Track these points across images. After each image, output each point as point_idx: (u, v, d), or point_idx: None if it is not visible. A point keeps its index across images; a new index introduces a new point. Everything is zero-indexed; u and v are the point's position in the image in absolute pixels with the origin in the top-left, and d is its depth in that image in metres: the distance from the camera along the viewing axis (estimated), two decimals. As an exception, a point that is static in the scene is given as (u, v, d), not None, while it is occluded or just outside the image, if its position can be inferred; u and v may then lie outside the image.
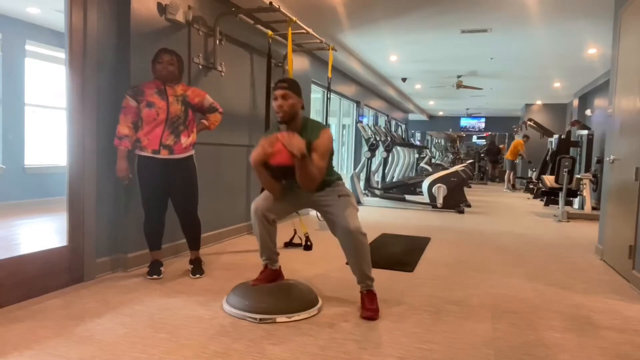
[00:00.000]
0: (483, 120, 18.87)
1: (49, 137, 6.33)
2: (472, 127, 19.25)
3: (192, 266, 3.29)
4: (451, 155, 16.05)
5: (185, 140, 3.13)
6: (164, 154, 3.06)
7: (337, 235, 2.58)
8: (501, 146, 16.65)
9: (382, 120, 12.87)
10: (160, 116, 3.02)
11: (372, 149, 8.40)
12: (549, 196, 8.11)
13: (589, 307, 2.87)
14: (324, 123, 6.18)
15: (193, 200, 3.25)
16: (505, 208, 8.25)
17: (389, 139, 8.91)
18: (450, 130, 18.28)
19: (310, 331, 2.34)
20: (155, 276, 3.14)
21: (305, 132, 2.53)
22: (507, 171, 12.61)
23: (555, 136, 9.60)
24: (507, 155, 12.62)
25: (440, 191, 7.46)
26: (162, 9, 3.56)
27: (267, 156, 2.37)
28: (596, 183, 7.58)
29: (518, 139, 12.88)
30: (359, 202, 7.84)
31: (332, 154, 2.60)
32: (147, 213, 3.18)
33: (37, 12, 5.47)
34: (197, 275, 3.20)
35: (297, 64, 6.05)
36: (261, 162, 2.41)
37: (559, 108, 13.36)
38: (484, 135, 19.26)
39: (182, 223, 3.28)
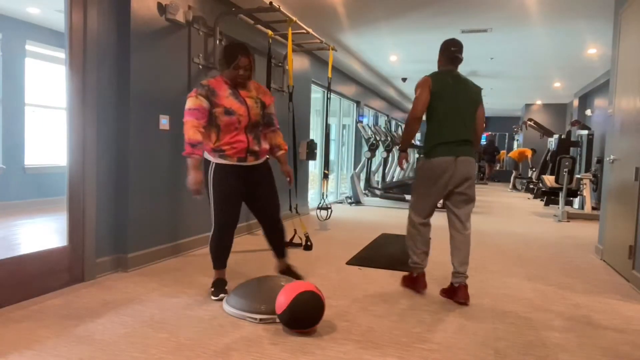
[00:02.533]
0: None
1: (49, 137, 6.33)
2: (472, 127, 19.20)
3: (289, 274, 2.98)
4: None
5: (264, 143, 2.86)
6: (250, 161, 2.77)
7: (459, 224, 3.03)
8: (502, 151, 16.65)
9: (382, 120, 12.86)
10: (242, 123, 2.69)
11: (372, 149, 8.40)
12: (549, 196, 8.12)
13: (589, 307, 2.87)
14: (325, 123, 6.17)
15: (278, 205, 2.98)
16: (505, 208, 8.25)
17: (389, 139, 8.91)
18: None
19: (310, 331, 2.34)
20: (222, 295, 2.76)
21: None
22: (514, 171, 12.70)
23: (555, 136, 9.60)
24: (513, 155, 12.62)
25: (440, 191, 7.44)
26: (162, 9, 3.56)
27: None
28: (596, 183, 7.58)
29: (520, 144, 12.94)
30: (358, 202, 7.84)
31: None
32: (222, 227, 2.80)
33: (37, 12, 5.47)
34: (300, 279, 2.88)
35: (297, 64, 6.05)
36: None
37: (559, 108, 13.36)
38: (484, 135, 19.25)
39: (269, 230, 3.01)
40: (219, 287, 2.83)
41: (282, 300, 2.29)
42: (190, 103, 2.62)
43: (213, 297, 2.77)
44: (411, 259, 3.07)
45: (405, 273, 3.27)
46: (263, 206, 2.91)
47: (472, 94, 2.95)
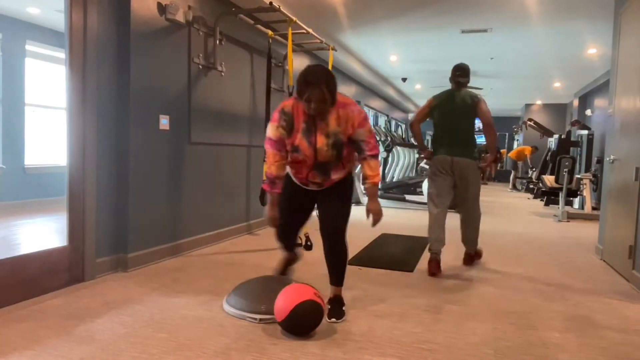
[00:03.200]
0: (483, 120, 18.84)
1: (49, 137, 6.33)
2: (472, 127, 19.21)
3: (329, 306, 2.53)
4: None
5: (336, 175, 2.51)
6: (312, 187, 2.58)
7: (463, 208, 3.67)
8: (502, 150, 16.64)
9: (382, 120, 12.87)
10: (307, 163, 2.47)
11: (372, 149, 8.38)
12: (549, 196, 8.12)
13: (589, 307, 2.87)
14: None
15: (339, 226, 2.49)
16: (505, 208, 8.25)
17: (389, 139, 8.91)
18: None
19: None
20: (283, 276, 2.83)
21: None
22: (513, 172, 12.68)
23: (555, 136, 9.60)
24: (511, 155, 12.62)
25: (440, 191, 7.44)
26: (162, 9, 3.56)
27: None
28: (596, 183, 7.58)
29: (520, 144, 12.91)
30: (359, 202, 7.84)
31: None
32: (278, 227, 2.67)
33: (37, 12, 5.47)
34: (333, 319, 2.46)
35: (297, 64, 6.05)
36: None
37: (559, 108, 13.36)
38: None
39: (326, 250, 2.54)
40: (280, 266, 2.92)
41: (282, 306, 2.25)
42: (270, 131, 2.42)
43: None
44: (430, 244, 3.61)
45: (406, 273, 3.28)
46: (322, 223, 2.53)
47: (463, 105, 3.57)
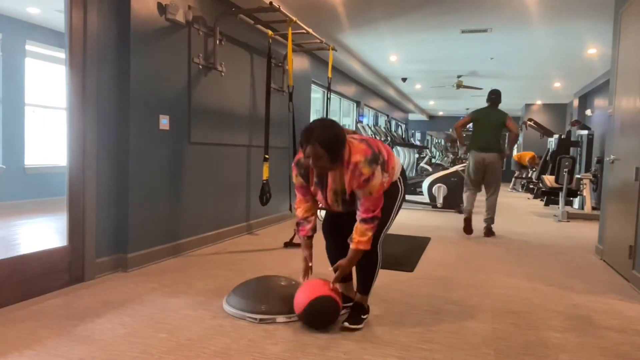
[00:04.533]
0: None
1: (49, 137, 6.33)
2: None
3: (350, 310, 2.47)
4: (451, 155, 16.04)
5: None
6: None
7: (488, 192, 5.21)
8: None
9: (382, 120, 12.87)
10: (325, 207, 2.50)
11: (372, 149, 8.38)
12: (549, 196, 8.12)
13: (589, 307, 2.87)
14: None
15: (379, 226, 2.34)
16: (505, 208, 8.24)
17: (389, 139, 8.91)
18: (450, 130, 18.27)
19: (310, 331, 2.34)
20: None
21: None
22: (516, 172, 12.69)
23: (555, 136, 9.60)
24: (515, 157, 12.62)
25: (441, 191, 7.47)
26: (162, 9, 3.56)
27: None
28: (596, 183, 7.58)
29: (520, 144, 12.89)
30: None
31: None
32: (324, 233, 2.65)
33: (37, 12, 5.47)
34: (346, 324, 2.36)
35: (297, 64, 6.05)
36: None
37: (559, 108, 13.36)
38: None
39: None
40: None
41: (299, 300, 2.36)
42: (294, 178, 2.47)
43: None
44: (463, 210, 5.34)
45: (406, 273, 3.29)
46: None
47: (495, 119, 5.22)
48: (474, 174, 5.18)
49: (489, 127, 5.15)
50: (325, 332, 2.34)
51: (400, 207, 2.52)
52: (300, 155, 2.36)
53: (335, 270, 2.37)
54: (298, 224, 2.52)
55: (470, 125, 5.39)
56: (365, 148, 2.25)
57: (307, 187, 2.43)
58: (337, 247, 2.55)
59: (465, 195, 5.29)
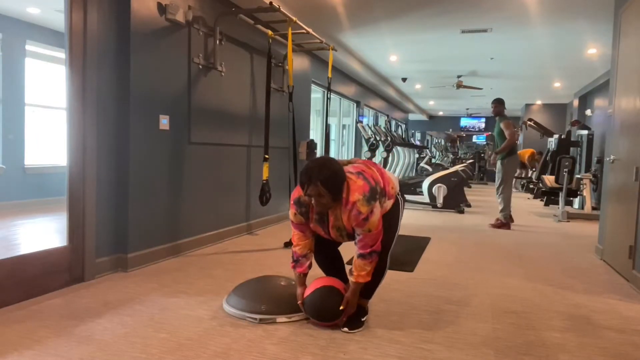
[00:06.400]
0: (483, 120, 18.87)
1: (49, 137, 6.33)
2: (472, 127, 19.24)
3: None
4: (451, 155, 16.05)
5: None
6: None
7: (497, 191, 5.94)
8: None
9: (382, 120, 12.87)
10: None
11: (372, 149, 8.40)
12: (549, 196, 8.11)
13: (589, 307, 2.87)
14: (325, 123, 6.17)
15: (389, 235, 2.40)
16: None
17: (389, 139, 8.90)
18: (450, 130, 18.28)
19: (310, 331, 2.34)
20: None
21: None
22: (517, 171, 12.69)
23: (555, 136, 9.60)
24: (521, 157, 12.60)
25: (441, 191, 7.47)
26: (162, 9, 3.56)
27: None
28: (596, 183, 7.58)
29: (520, 144, 12.88)
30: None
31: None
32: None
33: (37, 12, 5.47)
34: (345, 329, 2.36)
35: (297, 64, 6.05)
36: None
37: (559, 108, 13.36)
38: (485, 135, 19.24)
39: None
40: None
41: (308, 290, 2.43)
42: (291, 216, 2.46)
43: None
44: (506, 211, 5.90)
45: (406, 273, 3.31)
46: None
47: (497, 127, 5.96)
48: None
49: (496, 135, 6.00)
50: (325, 332, 2.34)
51: (402, 217, 2.56)
52: (299, 194, 2.36)
53: (344, 308, 2.35)
54: (296, 261, 2.48)
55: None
56: (363, 184, 2.25)
57: (307, 224, 2.42)
58: (327, 258, 2.60)
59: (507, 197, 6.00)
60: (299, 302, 2.45)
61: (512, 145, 5.78)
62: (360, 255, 2.30)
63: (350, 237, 2.36)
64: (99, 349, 2.07)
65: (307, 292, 2.42)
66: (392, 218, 2.46)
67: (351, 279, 2.36)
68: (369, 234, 2.26)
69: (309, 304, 2.39)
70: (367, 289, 2.46)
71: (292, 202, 2.42)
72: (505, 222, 5.85)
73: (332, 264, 2.61)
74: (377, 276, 2.42)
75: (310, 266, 2.51)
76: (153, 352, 2.06)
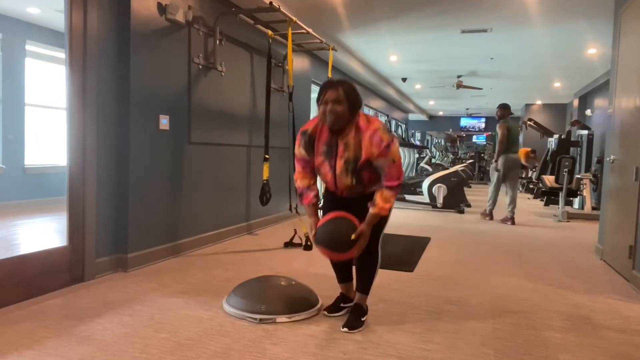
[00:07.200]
0: (483, 120, 18.88)
1: (49, 137, 6.33)
2: (472, 127, 19.25)
3: (349, 313, 2.48)
4: (451, 155, 16.05)
5: (369, 189, 2.36)
6: (347, 194, 2.41)
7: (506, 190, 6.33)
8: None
9: (382, 120, 12.84)
10: (329, 187, 2.43)
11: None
12: (549, 196, 8.11)
13: (589, 307, 2.87)
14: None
15: (376, 227, 2.34)
16: (505, 208, 8.24)
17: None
18: (450, 130, 18.27)
19: (310, 331, 2.34)
20: (326, 313, 2.57)
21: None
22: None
23: (555, 136, 9.60)
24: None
25: (441, 191, 7.47)
26: (162, 9, 3.56)
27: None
28: (596, 183, 7.58)
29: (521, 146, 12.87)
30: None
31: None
32: None
33: (37, 12, 5.47)
34: (345, 329, 2.34)
35: (297, 64, 6.05)
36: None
37: (559, 108, 13.36)
38: (485, 135, 19.25)
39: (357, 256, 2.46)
40: (333, 303, 2.61)
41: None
42: (296, 150, 2.43)
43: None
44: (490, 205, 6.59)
45: (406, 273, 3.34)
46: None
47: (517, 130, 6.48)
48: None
49: (496, 137, 6.68)
50: (325, 332, 2.34)
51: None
52: (307, 127, 2.36)
53: (356, 239, 2.24)
54: (301, 195, 2.41)
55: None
56: (379, 120, 2.31)
57: (309, 160, 2.38)
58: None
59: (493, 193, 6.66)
60: (311, 234, 2.36)
61: (502, 146, 6.20)
62: (388, 187, 2.24)
63: (355, 173, 2.27)
64: (99, 349, 2.07)
65: (320, 223, 2.31)
66: None
67: (372, 210, 2.25)
68: (393, 165, 2.22)
69: (321, 232, 2.27)
70: (364, 283, 2.46)
71: (298, 136, 2.41)
72: (488, 214, 6.61)
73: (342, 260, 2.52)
74: (371, 268, 2.44)
75: (317, 197, 2.42)
76: (153, 352, 2.06)
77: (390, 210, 2.30)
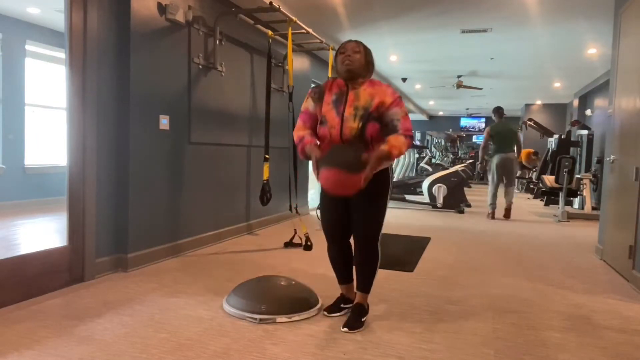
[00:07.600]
0: (483, 120, 18.86)
1: (49, 137, 6.33)
2: (472, 127, 19.23)
3: (349, 313, 2.48)
4: (451, 155, 16.05)
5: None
6: None
7: (504, 188, 6.73)
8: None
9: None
10: (333, 137, 2.31)
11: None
12: (549, 196, 8.11)
13: (589, 307, 2.87)
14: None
15: (375, 224, 2.40)
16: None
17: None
18: (450, 130, 18.26)
19: (310, 331, 2.34)
20: (326, 313, 2.55)
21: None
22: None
23: (555, 136, 9.60)
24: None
25: (441, 191, 7.47)
26: (162, 9, 3.56)
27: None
28: (596, 183, 7.58)
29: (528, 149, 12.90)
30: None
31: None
32: (325, 236, 2.56)
33: (37, 12, 5.47)
34: (345, 329, 2.34)
35: (297, 64, 6.05)
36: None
37: (559, 108, 13.35)
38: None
39: (355, 252, 2.48)
40: (333, 303, 2.60)
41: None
42: (303, 104, 2.44)
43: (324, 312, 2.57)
44: (489, 204, 6.78)
45: (406, 273, 3.32)
46: (353, 226, 2.44)
47: (510, 131, 6.80)
48: (494, 175, 6.95)
49: (507, 137, 6.88)
50: (325, 332, 2.34)
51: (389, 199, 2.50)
52: (326, 81, 2.46)
53: (365, 162, 2.15)
54: (301, 140, 2.34)
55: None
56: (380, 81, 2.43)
57: (312, 113, 2.39)
58: (340, 252, 2.55)
59: (490, 194, 6.93)
60: (315, 172, 2.24)
61: (483, 152, 6.98)
62: (403, 135, 2.23)
63: (364, 119, 2.25)
64: (99, 349, 2.07)
65: (324, 152, 2.24)
66: (381, 191, 2.37)
67: (383, 146, 2.18)
68: (407, 118, 2.28)
69: (327, 157, 2.17)
70: (365, 282, 2.47)
71: (311, 92, 2.45)
72: (491, 212, 6.85)
73: (344, 260, 2.56)
74: (371, 266, 2.46)
75: (316, 140, 2.38)
76: (153, 352, 2.06)
77: (399, 155, 2.23)
